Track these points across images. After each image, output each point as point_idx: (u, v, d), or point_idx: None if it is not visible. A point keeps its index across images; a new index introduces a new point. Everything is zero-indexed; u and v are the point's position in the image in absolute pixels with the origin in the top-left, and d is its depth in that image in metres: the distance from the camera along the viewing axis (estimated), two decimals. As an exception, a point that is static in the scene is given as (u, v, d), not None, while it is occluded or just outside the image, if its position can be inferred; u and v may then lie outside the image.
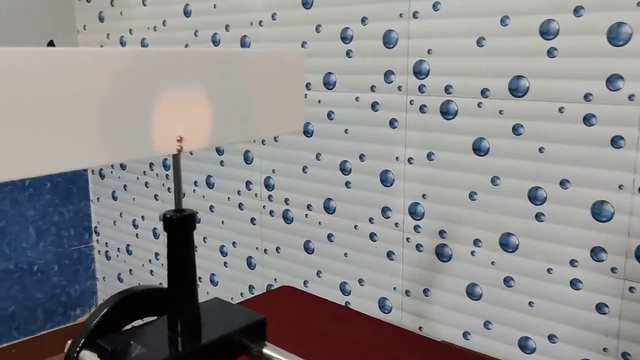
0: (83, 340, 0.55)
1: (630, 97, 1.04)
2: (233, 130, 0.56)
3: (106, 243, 2.37)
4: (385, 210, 1.42)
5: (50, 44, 2.24)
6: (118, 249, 2.31)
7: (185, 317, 0.55)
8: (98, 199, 2.37)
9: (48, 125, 0.44)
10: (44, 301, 2.32)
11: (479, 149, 1.24)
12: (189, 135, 0.52)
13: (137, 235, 2.19)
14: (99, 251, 2.43)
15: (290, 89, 0.64)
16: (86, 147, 0.46)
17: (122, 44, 2.08)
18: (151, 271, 2.16)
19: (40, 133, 0.44)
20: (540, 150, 1.16)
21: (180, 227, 0.55)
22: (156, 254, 2.12)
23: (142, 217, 2.15)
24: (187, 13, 1.82)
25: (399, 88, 1.35)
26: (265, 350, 0.60)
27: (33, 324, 2.30)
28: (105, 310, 0.57)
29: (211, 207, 1.87)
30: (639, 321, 1.09)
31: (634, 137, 1.05)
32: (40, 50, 0.44)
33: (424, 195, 1.34)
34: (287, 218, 1.65)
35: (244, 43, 1.67)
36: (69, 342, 0.57)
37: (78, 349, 0.55)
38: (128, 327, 0.60)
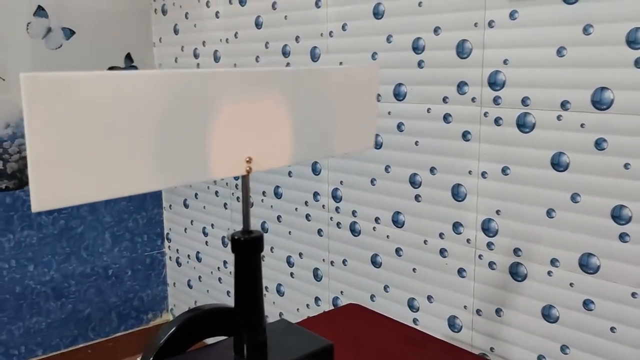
0: (151, 359, 0.55)
1: None
2: (303, 151, 0.55)
3: (177, 250, 2.42)
4: (456, 226, 1.38)
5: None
6: (188, 255, 2.35)
7: (252, 341, 0.54)
8: (170, 206, 2.42)
9: (122, 149, 0.44)
10: (118, 304, 2.39)
11: (558, 164, 1.18)
12: (259, 156, 0.51)
13: (206, 242, 2.23)
14: (170, 257, 2.48)
15: (362, 105, 0.62)
16: (153, 170, 0.46)
17: (196, 56, 2.13)
18: (219, 279, 2.19)
19: (117, 156, 0.44)
20: (626, 166, 1.09)
21: (247, 249, 0.54)
22: (224, 262, 2.15)
23: (212, 225, 2.18)
24: (258, 25, 1.83)
25: (473, 100, 1.30)
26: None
27: (108, 326, 2.38)
28: (172, 330, 0.57)
29: (278, 217, 1.88)
30: None
31: None
32: (109, 74, 0.44)
33: (498, 211, 1.29)
34: (354, 230, 1.63)
35: (313, 54, 1.67)
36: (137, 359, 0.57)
37: (146, 368, 0.55)
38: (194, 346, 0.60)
